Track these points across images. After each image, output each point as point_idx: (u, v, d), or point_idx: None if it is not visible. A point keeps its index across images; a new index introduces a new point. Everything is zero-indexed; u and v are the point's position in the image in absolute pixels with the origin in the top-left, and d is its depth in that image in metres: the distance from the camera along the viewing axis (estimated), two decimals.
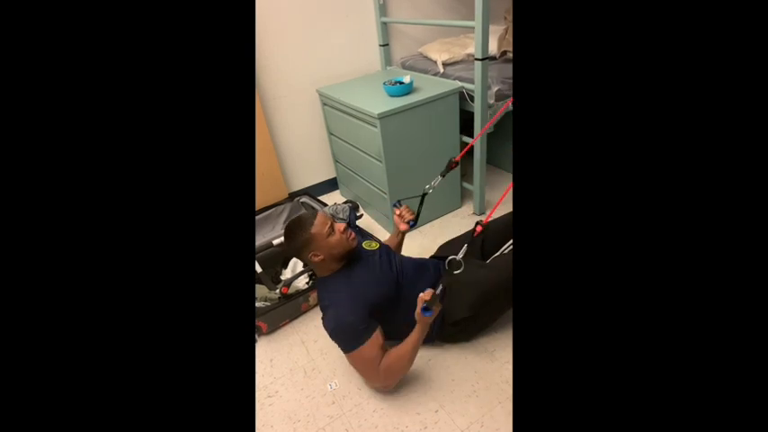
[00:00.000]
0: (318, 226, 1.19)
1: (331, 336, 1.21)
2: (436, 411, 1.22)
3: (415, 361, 1.37)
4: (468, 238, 1.09)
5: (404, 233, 1.52)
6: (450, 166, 1.41)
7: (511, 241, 1.41)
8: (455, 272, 1.00)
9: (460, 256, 1.00)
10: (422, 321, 1.14)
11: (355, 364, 1.23)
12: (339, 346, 1.21)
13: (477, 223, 1.03)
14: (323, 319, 1.24)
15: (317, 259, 1.21)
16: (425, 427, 1.18)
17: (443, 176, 1.40)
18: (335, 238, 1.21)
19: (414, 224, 1.46)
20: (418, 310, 1.10)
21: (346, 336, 1.18)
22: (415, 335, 1.18)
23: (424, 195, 1.46)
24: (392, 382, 1.25)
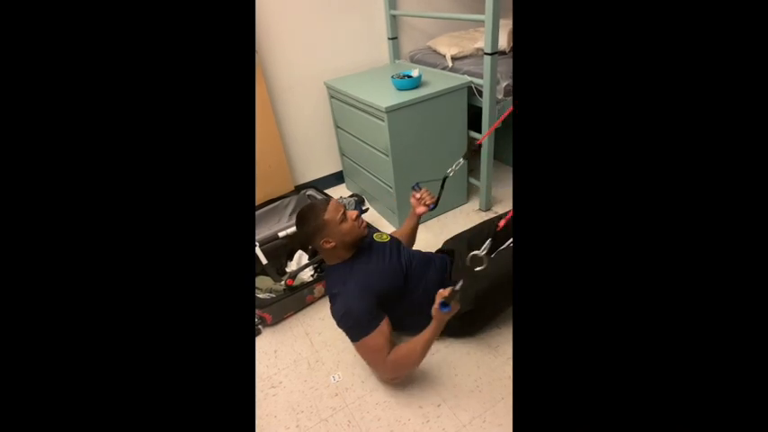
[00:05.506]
0: (332, 212, 1.21)
1: (339, 324, 1.21)
2: (438, 405, 1.23)
3: None
4: (491, 231, 1.03)
5: (419, 217, 1.49)
6: (473, 148, 1.37)
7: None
8: (476, 269, 0.92)
9: (483, 252, 0.93)
10: (438, 318, 1.12)
11: (363, 353, 1.23)
12: (347, 334, 1.21)
13: (500, 217, 0.97)
14: (331, 307, 1.24)
15: (328, 246, 1.22)
16: (428, 421, 1.19)
17: (465, 159, 1.37)
18: (348, 225, 1.22)
19: (433, 207, 1.42)
20: (436, 305, 1.09)
21: (354, 324, 1.18)
22: (430, 332, 1.15)
23: (445, 179, 1.42)
24: (400, 375, 1.26)
